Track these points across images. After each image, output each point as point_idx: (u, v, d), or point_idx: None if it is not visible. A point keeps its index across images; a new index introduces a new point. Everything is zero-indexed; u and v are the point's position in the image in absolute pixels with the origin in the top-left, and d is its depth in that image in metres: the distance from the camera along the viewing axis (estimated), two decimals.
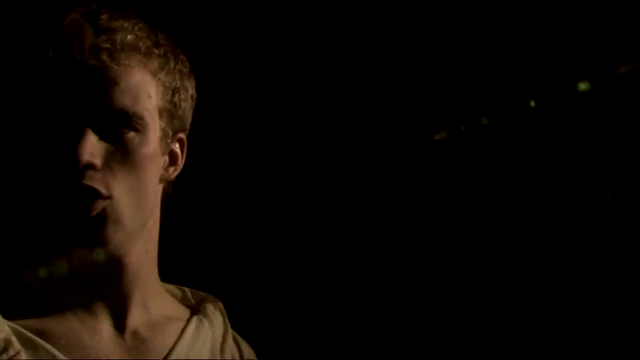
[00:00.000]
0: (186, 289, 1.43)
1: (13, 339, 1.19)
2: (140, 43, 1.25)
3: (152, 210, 1.30)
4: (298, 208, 1.96)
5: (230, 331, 1.39)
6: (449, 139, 2.00)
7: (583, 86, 2.01)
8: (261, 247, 1.98)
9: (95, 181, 1.21)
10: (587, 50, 2.03)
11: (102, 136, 1.22)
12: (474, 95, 2.04)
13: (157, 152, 1.29)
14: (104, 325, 1.27)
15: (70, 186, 1.20)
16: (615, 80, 1.99)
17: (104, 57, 1.22)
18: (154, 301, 1.33)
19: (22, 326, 1.21)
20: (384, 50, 2.04)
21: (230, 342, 1.38)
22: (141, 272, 1.30)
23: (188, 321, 1.35)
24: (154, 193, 1.30)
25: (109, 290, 1.28)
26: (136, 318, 1.30)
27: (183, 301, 1.41)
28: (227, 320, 1.40)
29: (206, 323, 1.36)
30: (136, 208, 1.25)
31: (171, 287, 1.42)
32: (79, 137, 1.21)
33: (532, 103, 2.00)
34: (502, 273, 2.00)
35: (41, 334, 1.22)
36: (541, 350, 1.97)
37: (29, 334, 1.21)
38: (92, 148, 1.20)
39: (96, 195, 1.21)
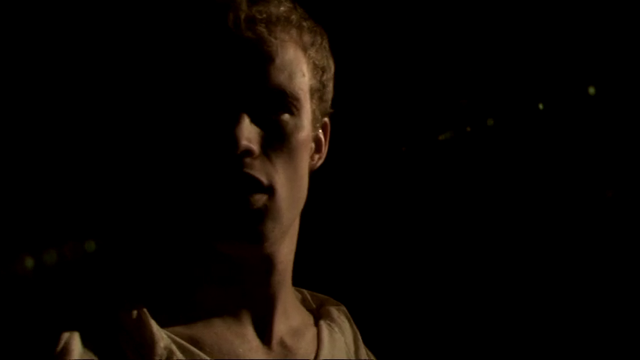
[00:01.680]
0: (305, 291, 1.29)
1: (174, 347, 1.07)
2: (293, 16, 1.12)
3: (303, 203, 1.16)
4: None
5: (360, 337, 1.27)
6: (453, 139, 1.99)
7: (592, 90, 2.01)
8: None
9: (255, 169, 1.07)
10: (596, 54, 2.03)
11: (255, 119, 1.08)
12: (480, 96, 2.04)
13: (309, 138, 1.15)
14: (250, 332, 1.14)
15: (228, 174, 1.06)
16: (620, 84, 2.01)
17: (261, 29, 1.08)
18: (291, 306, 1.20)
19: (173, 333, 1.09)
20: (390, 50, 2.02)
21: (363, 349, 1.26)
22: (286, 274, 1.17)
23: (317, 326, 1.22)
24: (306, 184, 1.15)
25: (256, 293, 1.14)
26: (280, 324, 1.16)
27: (303, 303, 1.27)
28: (354, 326, 1.27)
29: (336, 329, 1.23)
30: (292, 200, 1.11)
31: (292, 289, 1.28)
32: (235, 120, 1.06)
33: (540, 106, 2.00)
34: (505, 272, 2.01)
35: (194, 342, 1.09)
36: (544, 349, 1.97)
37: (184, 343, 1.08)
38: (248, 132, 1.06)
39: (257, 185, 1.07)
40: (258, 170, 1.07)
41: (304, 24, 1.14)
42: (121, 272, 1.52)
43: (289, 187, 1.10)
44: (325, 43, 1.18)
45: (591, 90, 2.02)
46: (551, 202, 2.02)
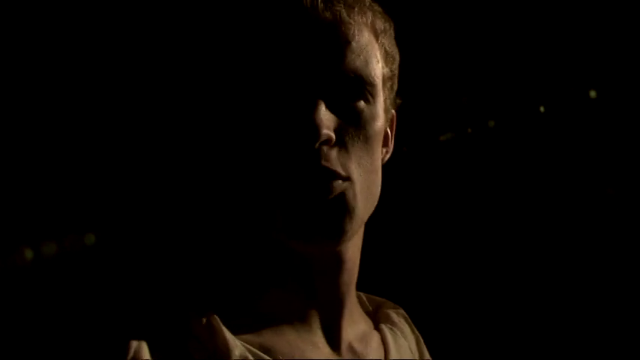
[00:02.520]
0: (361, 294, 1.20)
1: (249, 356, 0.99)
2: None
3: (377, 200, 1.06)
4: None
5: (422, 341, 1.20)
6: (454, 140, 1.99)
7: (593, 94, 2.02)
8: None
9: (332, 161, 0.99)
10: (597, 58, 2.04)
11: (330, 105, 1.00)
12: (481, 98, 2.04)
13: (383, 129, 1.06)
14: (320, 339, 1.06)
15: (305, 166, 0.98)
16: (621, 88, 2.02)
17: (340, 9, 1.01)
18: (356, 309, 1.13)
19: (244, 341, 1.00)
20: None
21: (427, 354, 1.19)
22: (354, 274, 1.09)
23: (378, 330, 1.15)
24: (380, 178, 1.06)
25: (325, 295, 1.06)
26: (347, 329, 1.08)
27: (361, 306, 1.19)
28: (415, 330, 1.20)
29: (399, 333, 1.16)
30: (367, 195, 1.02)
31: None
32: (312, 106, 0.98)
33: (542, 109, 2.00)
34: (504, 273, 2.01)
35: (266, 350, 1.01)
36: (542, 348, 1.99)
37: (257, 351, 1.00)
38: (327, 119, 0.98)
39: (333, 175, 0.99)
40: (335, 162, 0.99)
41: (376, 8, 1.07)
42: (121, 268, 1.51)
43: (365, 178, 1.02)
44: (393, 31, 1.10)
45: (592, 93, 2.03)
46: (552, 202, 2.03)
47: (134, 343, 0.96)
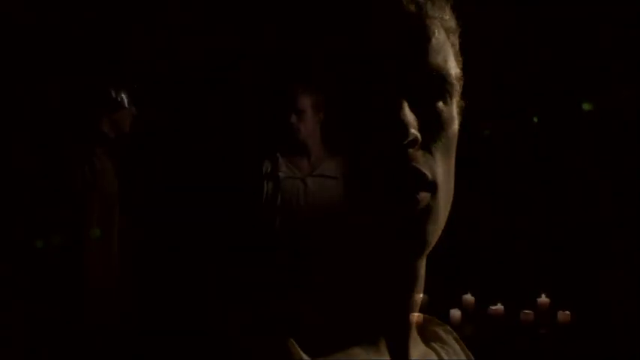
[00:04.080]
0: None
1: None
2: None
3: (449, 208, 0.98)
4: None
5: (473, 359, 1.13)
6: None
7: (587, 106, 2.05)
8: None
9: (419, 162, 0.91)
10: (591, 72, 2.06)
11: (411, 104, 0.92)
12: (477, 107, 2.06)
13: (457, 132, 0.98)
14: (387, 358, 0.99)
15: (394, 167, 0.90)
16: (616, 101, 2.04)
17: (426, 2, 0.95)
18: (415, 329, 1.05)
19: None
20: None
21: None
22: (421, 291, 1.00)
23: (431, 349, 1.07)
24: (453, 185, 0.98)
25: (395, 312, 0.99)
26: (412, 349, 1.01)
27: None
28: (465, 348, 1.11)
29: (451, 352, 1.08)
30: (446, 202, 0.94)
31: None
32: (397, 105, 0.90)
33: (535, 119, 2.03)
34: (500, 282, 2.02)
35: None
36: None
37: None
38: (413, 119, 0.90)
39: (423, 180, 0.91)
40: (423, 163, 0.91)
41: (447, 8, 1.00)
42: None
43: (446, 183, 0.94)
44: (458, 32, 1.02)
45: (586, 106, 2.05)
46: (545, 208, 2.04)
47: None
